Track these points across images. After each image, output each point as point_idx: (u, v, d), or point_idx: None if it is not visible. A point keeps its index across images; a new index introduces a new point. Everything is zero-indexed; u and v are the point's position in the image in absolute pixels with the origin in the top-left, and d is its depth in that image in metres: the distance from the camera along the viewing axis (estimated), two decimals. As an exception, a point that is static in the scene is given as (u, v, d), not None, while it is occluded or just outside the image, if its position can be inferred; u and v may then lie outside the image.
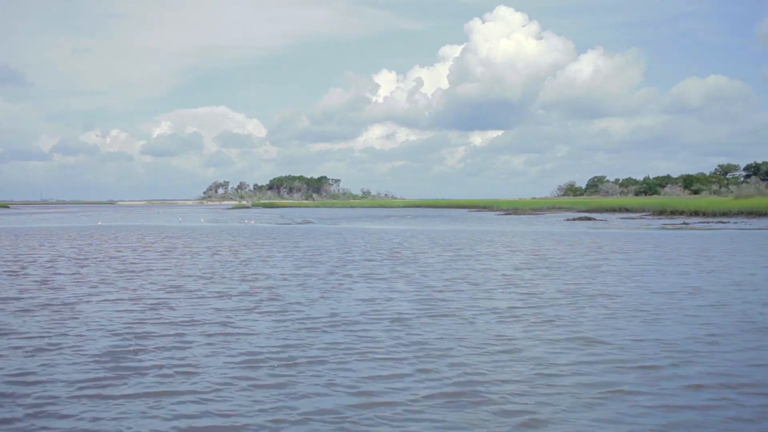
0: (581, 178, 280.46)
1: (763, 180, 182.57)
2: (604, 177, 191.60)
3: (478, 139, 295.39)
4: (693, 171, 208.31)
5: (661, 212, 75.59)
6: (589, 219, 71.06)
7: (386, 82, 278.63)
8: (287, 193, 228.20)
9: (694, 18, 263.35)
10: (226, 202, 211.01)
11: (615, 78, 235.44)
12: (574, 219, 71.87)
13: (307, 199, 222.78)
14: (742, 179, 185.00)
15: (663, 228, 51.52)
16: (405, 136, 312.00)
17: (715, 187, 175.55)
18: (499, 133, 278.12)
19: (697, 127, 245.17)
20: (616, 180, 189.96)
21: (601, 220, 69.49)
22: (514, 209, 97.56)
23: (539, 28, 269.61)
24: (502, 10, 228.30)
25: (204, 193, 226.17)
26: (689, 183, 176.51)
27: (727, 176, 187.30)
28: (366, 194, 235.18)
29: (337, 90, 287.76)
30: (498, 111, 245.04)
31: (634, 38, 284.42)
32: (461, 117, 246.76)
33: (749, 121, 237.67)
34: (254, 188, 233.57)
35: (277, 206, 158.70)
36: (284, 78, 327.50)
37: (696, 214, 70.69)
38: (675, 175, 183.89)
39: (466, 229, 52.45)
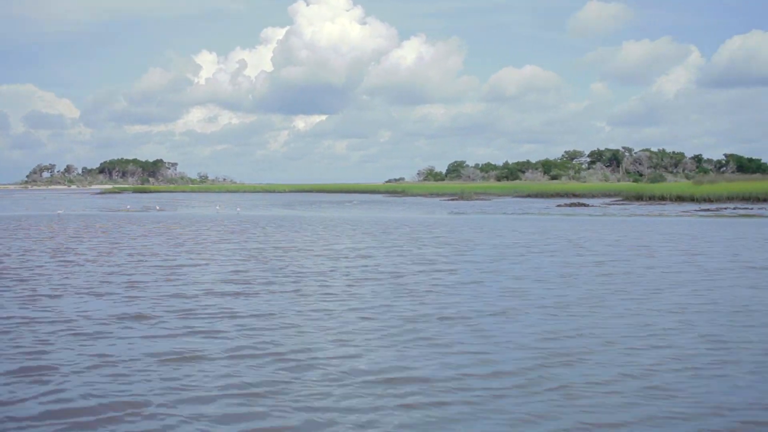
0: (402, 164, 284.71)
1: (607, 166, 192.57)
2: (464, 162, 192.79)
3: (301, 123, 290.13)
4: (510, 158, 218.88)
5: (638, 198, 73.56)
6: (582, 205, 67.57)
7: (207, 63, 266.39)
8: (120, 177, 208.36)
9: (511, 10, 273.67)
10: (54, 187, 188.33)
11: (436, 65, 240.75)
12: (565, 205, 67.95)
13: (143, 184, 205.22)
14: (586, 166, 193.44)
15: (714, 215, 48.62)
16: (227, 119, 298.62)
17: (571, 172, 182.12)
18: (323, 117, 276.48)
19: (513, 115, 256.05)
20: (476, 165, 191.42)
21: (594, 206, 66.38)
22: (458, 194, 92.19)
23: (363, 13, 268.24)
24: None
25: (27, 177, 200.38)
26: (548, 168, 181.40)
27: (573, 162, 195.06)
28: (203, 179, 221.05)
29: (157, 70, 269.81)
30: (322, 95, 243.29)
31: (455, 27, 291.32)
32: (285, 100, 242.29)
33: (560, 110, 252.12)
34: (83, 172, 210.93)
35: (150, 191, 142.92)
36: (99, 56, 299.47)
37: (680, 199, 68.98)
38: (492, 161, 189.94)
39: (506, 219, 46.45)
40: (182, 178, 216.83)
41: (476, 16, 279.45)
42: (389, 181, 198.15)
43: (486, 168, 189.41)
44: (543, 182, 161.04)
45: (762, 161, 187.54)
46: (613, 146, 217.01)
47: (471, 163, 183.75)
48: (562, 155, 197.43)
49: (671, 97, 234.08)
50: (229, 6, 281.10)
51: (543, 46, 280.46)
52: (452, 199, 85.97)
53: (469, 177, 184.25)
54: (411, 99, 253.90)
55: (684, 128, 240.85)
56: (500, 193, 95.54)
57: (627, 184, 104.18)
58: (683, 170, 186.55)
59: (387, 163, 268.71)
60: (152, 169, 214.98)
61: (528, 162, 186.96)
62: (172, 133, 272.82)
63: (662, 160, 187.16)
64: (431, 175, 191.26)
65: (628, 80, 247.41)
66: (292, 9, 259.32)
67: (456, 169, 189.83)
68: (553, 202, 75.68)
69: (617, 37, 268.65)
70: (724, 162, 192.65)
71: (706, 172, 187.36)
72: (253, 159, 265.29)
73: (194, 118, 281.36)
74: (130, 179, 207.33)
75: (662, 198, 70.17)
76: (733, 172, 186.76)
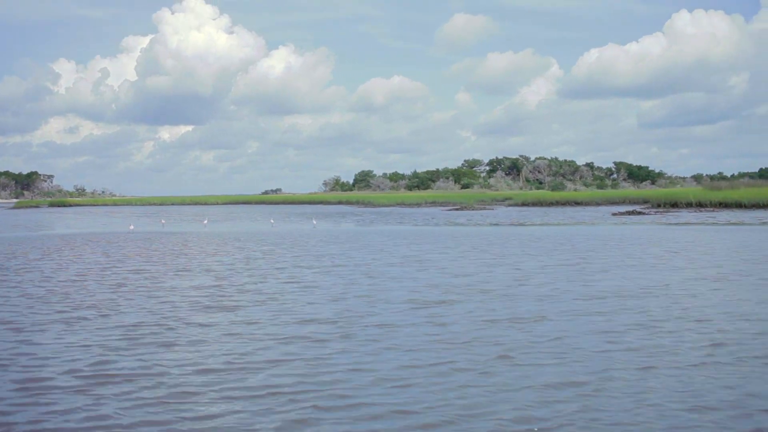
0: (271, 174, 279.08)
1: (507, 174, 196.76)
2: (371, 171, 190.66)
3: (167, 134, 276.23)
4: (378, 168, 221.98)
5: (673, 204, 71.15)
6: (640, 213, 66.32)
7: (66, 71, 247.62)
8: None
9: (379, 21, 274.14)
10: None
11: (305, 76, 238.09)
12: (622, 213, 66.59)
13: (17, 197, 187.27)
14: (484, 173, 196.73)
15: None
16: (89, 129, 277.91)
17: (481, 181, 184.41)
18: (189, 128, 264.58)
19: (381, 125, 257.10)
20: (384, 174, 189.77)
21: (651, 213, 65.35)
22: (460, 204, 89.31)
23: (230, 22, 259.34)
24: (192, 2, 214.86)
25: None
26: (458, 177, 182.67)
27: (474, 170, 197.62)
28: (81, 191, 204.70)
29: (13, 78, 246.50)
30: (188, 105, 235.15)
31: (324, 38, 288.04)
32: (150, 111, 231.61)
33: (427, 120, 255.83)
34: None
35: (69, 204, 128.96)
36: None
37: (724, 206, 66.98)
38: (369, 170, 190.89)
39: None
40: (60, 191, 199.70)
41: (344, 26, 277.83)
42: (266, 192, 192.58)
43: (394, 177, 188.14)
44: (456, 191, 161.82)
45: (649, 168, 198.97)
46: (478, 156, 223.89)
47: (344, 172, 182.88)
48: (463, 163, 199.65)
49: (533, 107, 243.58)
50: (88, 13, 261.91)
51: (411, 57, 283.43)
52: (456, 209, 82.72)
53: (378, 187, 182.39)
54: (279, 109, 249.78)
55: (545, 137, 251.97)
56: (492, 203, 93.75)
57: (639, 191, 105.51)
58: (579, 178, 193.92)
59: (255, 174, 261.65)
60: (26, 181, 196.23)
61: (437, 171, 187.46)
62: (30, 145, 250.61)
63: (561, 168, 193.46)
64: (338, 184, 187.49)
65: (492, 91, 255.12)
66: (156, 17, 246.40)
67: (364, 179, 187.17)
68: (586, 210, 74.39)
69: (482, 49, 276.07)
70: (614, 170, 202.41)
71: (602, 179, 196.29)
72: (117, 171, 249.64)
73: (53, 128, 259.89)
74: (2, 192, 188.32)
75: (700, 204, 69.97)
76: (624, 179, 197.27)
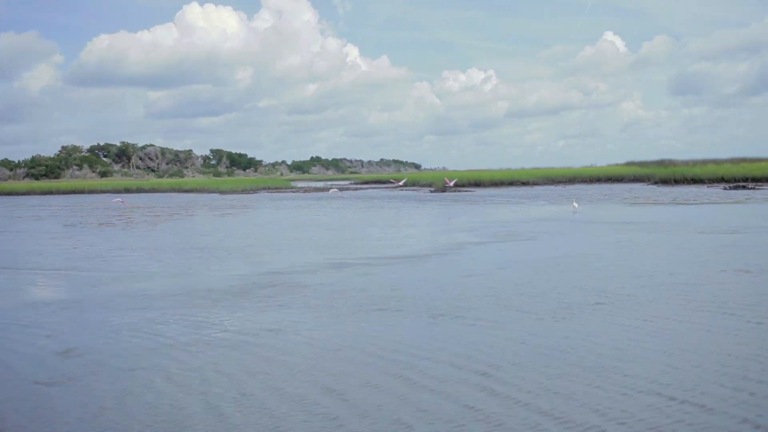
0: None
1: (116, 162, 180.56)
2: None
3: None
4: None
5: (746, 181, 62.58)
6: (753, 188, 56.21)
7: None
8: None
9: None
10: None
11: None
12: (730, 188, 56.78)
13: None
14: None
15: None
16: None
17: (119, 168, 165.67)
18: None
19: None
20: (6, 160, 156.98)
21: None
22: (436, 186, 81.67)
23: None
24: None
25: None
26: (91, 164, 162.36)
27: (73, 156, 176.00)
28: None
29: None
30: None
31: None
32: None
33: None
34: None
35: None
36: None
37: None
38: None
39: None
40: None
41: None
42: None
43: (8, 164, 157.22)
44: (95, 179, 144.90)
45: (248, 156, 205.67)
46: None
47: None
48: (60, 151, 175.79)
49: (36, 94, 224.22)
50: None
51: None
52: (433, 191, 77.06)
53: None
54: None
55: (47, 126, 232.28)
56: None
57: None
58: (191, 165, 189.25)
59: None
60: None
61: (58, 157, 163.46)
62: None
63: (177, 156, 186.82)
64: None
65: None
66: None
67: None
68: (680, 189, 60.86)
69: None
70: (212, 156, 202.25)
71: (214, 167, 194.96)
72: None
73: None
74: None
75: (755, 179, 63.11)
76: (227, 166, 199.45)
